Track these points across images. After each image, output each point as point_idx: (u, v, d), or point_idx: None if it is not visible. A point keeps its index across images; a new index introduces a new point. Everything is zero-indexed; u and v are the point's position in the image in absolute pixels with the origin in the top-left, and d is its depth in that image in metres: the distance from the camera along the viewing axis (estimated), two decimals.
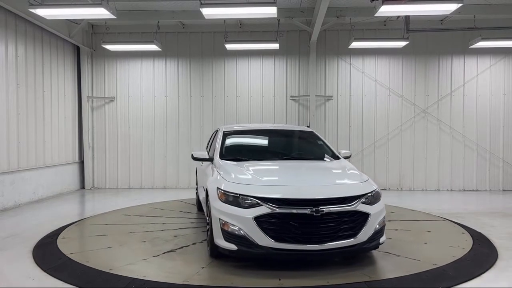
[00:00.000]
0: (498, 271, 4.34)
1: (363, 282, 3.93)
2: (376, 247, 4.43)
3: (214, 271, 4.29)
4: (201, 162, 5.98)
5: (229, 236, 4.15)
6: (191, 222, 6.43)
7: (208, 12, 7.24)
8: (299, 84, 10.58)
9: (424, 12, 7.77)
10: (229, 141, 5.75)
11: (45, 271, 4.31)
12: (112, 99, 10.76)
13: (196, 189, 7.52)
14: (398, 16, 9.63)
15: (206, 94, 10.67)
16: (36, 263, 4.58)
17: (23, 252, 4.99)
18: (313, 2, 9.09)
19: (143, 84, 10.74)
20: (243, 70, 10.66)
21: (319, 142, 6.02)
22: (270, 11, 7.18)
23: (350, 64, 10.50)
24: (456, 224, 6.40)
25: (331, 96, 10.50)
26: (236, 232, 4.09)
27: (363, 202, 4.21)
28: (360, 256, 4.62)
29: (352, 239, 4.11)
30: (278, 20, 9.61)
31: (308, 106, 10.35)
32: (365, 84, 10.50)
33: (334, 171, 5.03)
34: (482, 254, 4.87)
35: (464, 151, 10.34)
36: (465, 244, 5.26)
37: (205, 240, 5.28)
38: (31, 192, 8.57)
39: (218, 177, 4.64)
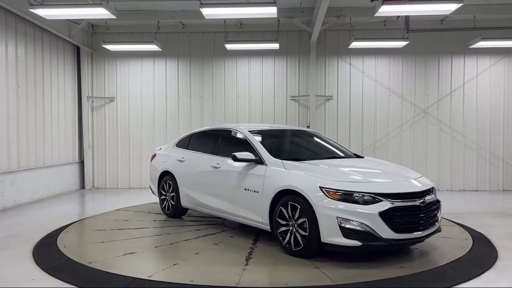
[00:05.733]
0: (498, 271, 4.35)
1: (363, 282, 3.93)
2: None
3: (331, 269, 4.26)
4: (216, 163, 5.78)
5: (351, 233, 4.23)
6: (197, 229, 6.00)
7: (208, 12, 7.24)
8: (299, 84, 10.58)
9: (424, 12, 7.77)
10: (264, 141, 5.55)
11: (45, 271, 4.31)
12: (112, 99, 10.76)
13: (164, 195, 6.85)
14: (398, 16, 9.64)
15: (206, 94, 10.67)
16: (36, 263, 4.58)
17: (23, 252, 4.99)
18: (313, 2, 9.09)
19: (143, 84, 10.75)
20: (243, 70, 10.66)
21: (333, 142, 6.41)
22: (270, 11, 7.18)
23: (350, 64, 10.50)
24: (456, 224, 6.40)
25: (331, 96, 10.50)
26: (360, 228, 4.21)
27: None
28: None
29: (436, 224, 4.75)
30: (278, 20, 9.62)
31: (308, 106, 10.35)
32: (365, 84, 10.50)
33: (396, 166, 5.57)
34: (482, 254, 4.88)
35: (464, 151, 10.35)
36: (465, 244, 5.25)
37: (255, 245, 5.16)
38: (31, 192, 8.57)
39: (308, 177, 4.64)
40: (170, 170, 6.76)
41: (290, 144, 6.25)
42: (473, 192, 10.13)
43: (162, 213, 7.03)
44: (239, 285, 3.86)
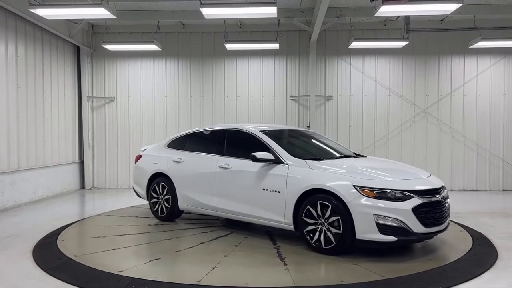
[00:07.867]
0: (498, 271, 4.35)
1: (363, 283, 3.93)
2: None
3: (370, 264, 4.37)
4: (225, 163, 5.64)
5: (387, 228, 4.39)
6: (204, 232, 5.84)
7: (208, 12, 7.25)
8: (299, 84, 10.58)
9: (424, 12, 7.77)
10: (277, 142, 5.46)
11: (45, 271, 4.31)
12: (112, 99, 10.76)
13: (156, 197, 6.57)
14: (398, 16, 9.64)
15: (206, 94, 10.68)
16: (36, 263, 4.58)
17: (23, 252, 4.99)
18: (313, 2, 9.09)
19: (143, 84, 10.75)
20: (243, 70, 10.66)
21: (333, 142, 6.56)
22: (270, 11, 7.19)
23: (350, 64, 10.50)
24: (456, 224, 6.39)
25: (331, 96, 10.50)
26: (395, 224, 4.38)
27: None
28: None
29: (448, 218, 4.97)
30: (278, 20, 9.62)
31: (308, 106, 10.35)
32: (365, 84, 10.50)
33: (405, 165, 5.77)
34: (482, 254, 4.88)
35: (464, 151, 10.35)
36: (465, 244, 5.25)
37: (276, 245, 5.12)
38: (31, 192, 8.57)
39: (338, 176, 4.72)
40: (164, 172, 6.48)
41: (300, 144, 6.21)
42: (473, 192, 10.13)
43: (152, 216, 6.75)
44: (296, 285, 3.86)
